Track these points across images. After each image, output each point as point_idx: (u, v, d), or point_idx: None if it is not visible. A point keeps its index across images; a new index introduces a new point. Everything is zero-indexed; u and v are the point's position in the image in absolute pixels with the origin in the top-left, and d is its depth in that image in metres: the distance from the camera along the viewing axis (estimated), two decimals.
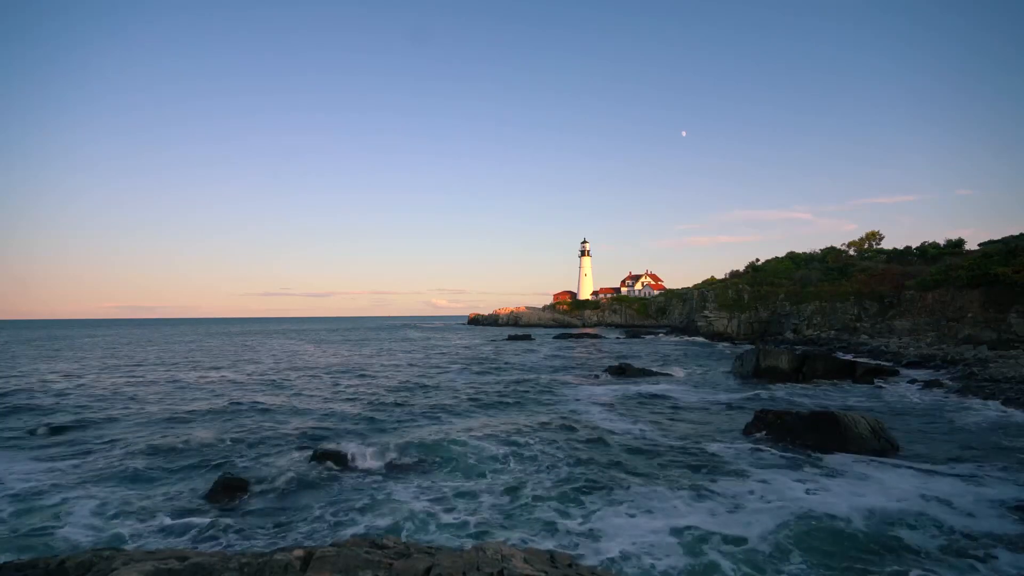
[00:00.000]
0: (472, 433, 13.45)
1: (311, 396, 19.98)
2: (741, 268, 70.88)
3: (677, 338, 58.83)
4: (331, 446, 11.90)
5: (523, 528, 7.66)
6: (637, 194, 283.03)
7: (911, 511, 7.95)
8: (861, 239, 65.07)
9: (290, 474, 10.04)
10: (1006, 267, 37.38)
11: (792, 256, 66.45)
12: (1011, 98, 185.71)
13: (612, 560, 6.65)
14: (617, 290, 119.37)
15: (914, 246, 58.46)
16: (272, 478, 9.82)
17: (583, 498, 8.81)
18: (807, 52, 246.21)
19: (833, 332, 46.50)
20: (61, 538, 7.37)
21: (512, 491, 9.16)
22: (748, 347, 33.65)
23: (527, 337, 61.70)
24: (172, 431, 13.95)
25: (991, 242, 47.97)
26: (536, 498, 8.81)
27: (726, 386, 21.80)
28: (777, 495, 8.68)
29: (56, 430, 14.04)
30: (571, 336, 68.94)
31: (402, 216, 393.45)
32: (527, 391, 21.06)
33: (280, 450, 11.97)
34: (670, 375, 25.82)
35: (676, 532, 7.41)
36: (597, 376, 25.44)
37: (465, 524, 7.84)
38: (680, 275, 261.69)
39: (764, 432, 12.78)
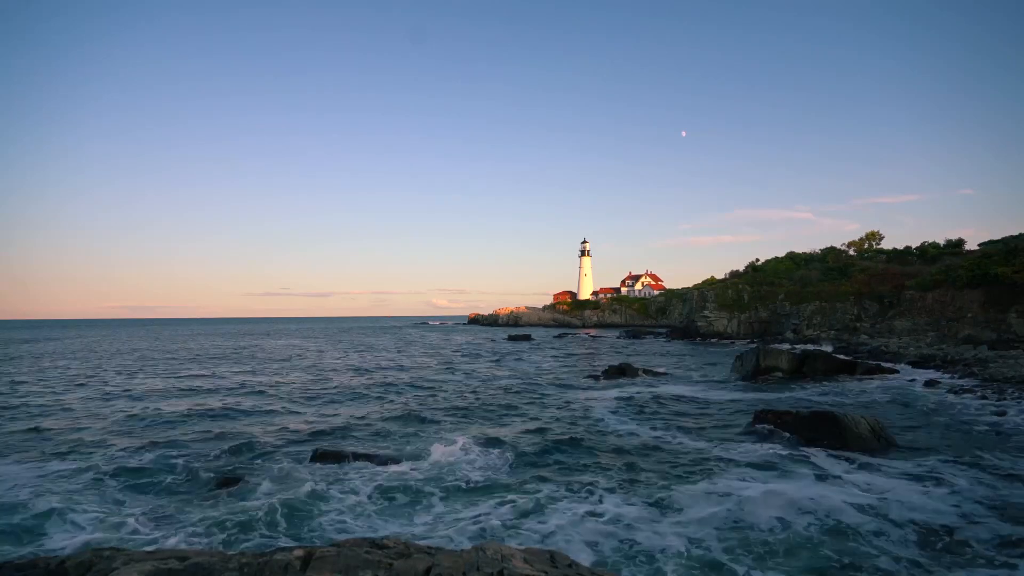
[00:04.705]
0: (470, 434, 13.45)
1: (311, 396, 19.98)
2: (741, 268, 70.92)
3: (677, 338, 58.81)
4: (331, 446, 11.93)
5: (516, 530, 7.66)
6: (637, 194, 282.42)
7: (909, 511, 7.94)
8: (861, 239, 65.16)
9: (290, 473, 10.04)
10: (1006, 267, 37.41)
11: (792, 256, 66.46)
12: (1011, 98, 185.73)
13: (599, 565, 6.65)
14: (617, 290, 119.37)
15: (914, 246, 58.52)
16: (272, 477, 9.82)
17: (576, 498, 8.81)
18: (808, 52, 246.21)
19: (833, 332, 46.51)
20: (58, 538, 7.37)
21: (505, 492, 9.17)
22: (748, 347, 33.65)
23: (527, 337, 61.70)
24: (171, 431, 13.96)
25: (991, 242, 48.01)
26: (534, 500, 8.80)
27: (726, 386, 21.80)
28: (777, 496, 8.66)
29: (53, 430, 14.04)
30: (571, 336, 68.96)
31: (402, 216, 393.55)
32: (526, 392, 21.06)
33: (280, 450, 11.97)
34: (670, 375, 25.82)
35: (673, 534, 7.41)
36: (597, 376, 25.43)
37: (458, 524, 7.84)
38: (680, 275, 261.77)
39: (764, 432, 12.77)
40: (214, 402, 18.52)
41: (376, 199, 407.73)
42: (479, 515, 8.11)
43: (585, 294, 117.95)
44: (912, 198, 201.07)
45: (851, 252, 63.89)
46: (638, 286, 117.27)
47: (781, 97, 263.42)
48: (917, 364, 26.84)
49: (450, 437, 12.86)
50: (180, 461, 11.01)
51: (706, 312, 59.36)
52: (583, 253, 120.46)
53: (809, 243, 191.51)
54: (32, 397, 19.75)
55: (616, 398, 18.69)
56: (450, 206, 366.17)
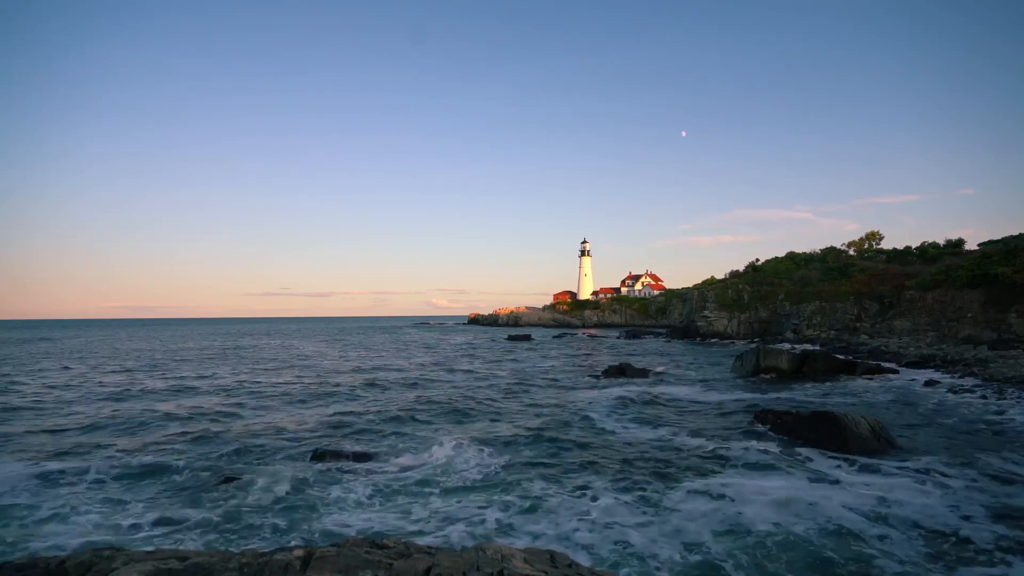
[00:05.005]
0: (469, 433, 13.45)
1: (310, 396, 19.97)
2: (741, 268, 70.90)
3: (677, 338, 58.79)
4: (330, 446, 11.92)
5: (514, 529, 7.66)
6: (637, 194, 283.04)
7: (910, 512, 7.94)
8: (861, 239, 65.13)
9: (290, 473, 10.03)
10: (1006, 267, 37.36)
11: (792, 256, 66.43)
12: (1011, 98, 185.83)
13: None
14: (617, 290, 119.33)
15: (914, 246, 58.49)
16: (272, 477, 9.81)
17: (573, 498, 8.81)
18: (808, 51, 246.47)
19: (833, 332, 46.49)
20: (58, 538, 7.36)
21: (504, 491, 9.16)
22: (748, 347, 33.63)
23: (527, 337, 61.66)
24: (171, 431, 13.95)
25: (991, 242, 47.97)
26: (532, 499, 8.81)
27: (726, 386, 21.79)
28: (776, 496, 8.66)
29: (53, 430, 14.04)
30: (571, 336, 68.94)
31: (402, 216, 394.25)
32: (525, 392, 21.06)
33: (280, 449, 11.97)
34: (669, 375, 25.82)
35: (670, 534, 7.41)
36: (596, 376, 25.43)
37: (457, 523, 7.84)
38: (680, 275, 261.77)
39: (763, 432, 12.77)
40: (214, 402, 18.52)
41: (376, 199, 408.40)
42: (477, 514, 8.11)
43: (585, 294, 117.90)
44: (912, 198, 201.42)
45: (851, 252, 63.86)
46: (638, 286, 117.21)
47: (781, 97, 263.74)
48: (917, 364, 26.84)
49: (449, 437, 12.85)
50: (180, 461, 11.00)
51: (706, 312, 59.33)
52: (583, 253, 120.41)
53: (809, 243, 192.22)
54: (31, 398, 19.74)
55: (615, 398, 18.68)
56: (450, 206, 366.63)
